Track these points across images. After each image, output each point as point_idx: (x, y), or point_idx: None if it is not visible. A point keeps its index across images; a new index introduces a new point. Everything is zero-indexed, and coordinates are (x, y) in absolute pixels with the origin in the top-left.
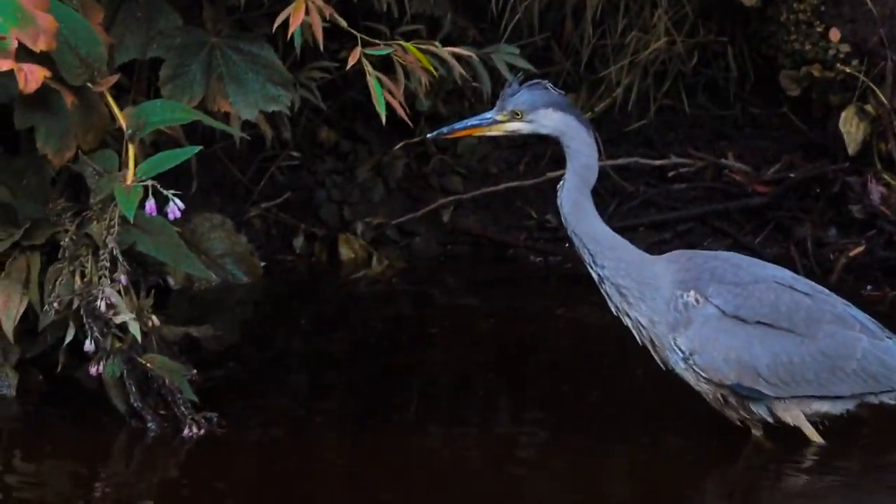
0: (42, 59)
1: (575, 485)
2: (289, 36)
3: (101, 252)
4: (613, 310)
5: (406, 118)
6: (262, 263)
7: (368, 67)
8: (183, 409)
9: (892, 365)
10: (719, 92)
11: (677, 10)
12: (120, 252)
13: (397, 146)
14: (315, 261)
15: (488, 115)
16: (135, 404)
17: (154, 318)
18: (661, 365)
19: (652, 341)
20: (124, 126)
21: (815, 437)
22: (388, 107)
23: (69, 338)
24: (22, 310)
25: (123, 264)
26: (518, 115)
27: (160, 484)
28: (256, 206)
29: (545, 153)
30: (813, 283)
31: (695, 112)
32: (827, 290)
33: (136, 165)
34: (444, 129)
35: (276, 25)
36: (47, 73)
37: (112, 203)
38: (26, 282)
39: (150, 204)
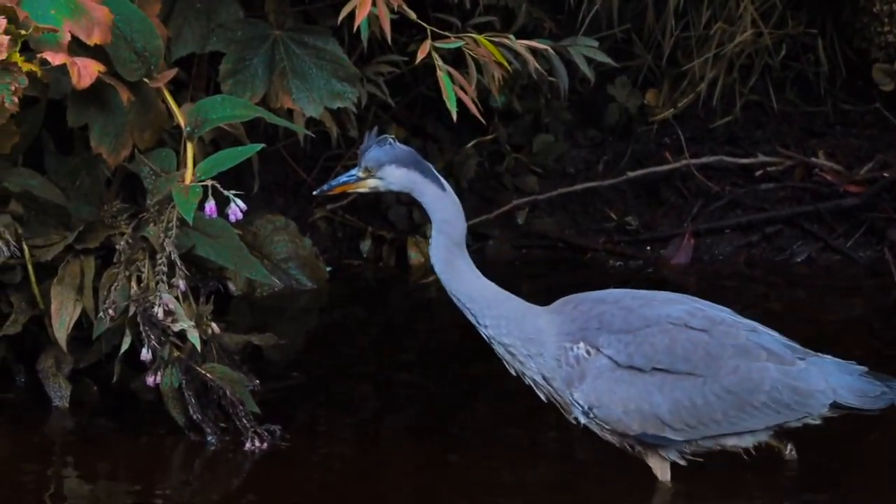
0: (96, 52)
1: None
2: (355, 28)
3: (159, 256)
4: (512, 371)
5: (478, 115)
6: (328, 268)
7: (439, 61)
8: (244, 421)
9: (805, 390)
10: (809, 87)
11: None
12: (178, 256)
13: (469, 144)
14: (383, 265)
15: (354, 171)
16: (194, 416)
17: (214, 325)
18: (572, 420)
19: (553, 397)
20: (182, 123)
21: (667, 476)
22: (460, 103)
23: (125, 346)
24: (75, 317)
25: (182, 269)
26: (370, 171)
27: (220, 501)
28: (321, 207)
29: (625, 152)
30: (714, 313)
31: (783, 108)
32: (730, 319)
33: (194, 165)
34: (325, 187)
35: (341, 17)
36: (102, 68)
37: (170, 204)
38: (80, 287)
39: (210, 205)
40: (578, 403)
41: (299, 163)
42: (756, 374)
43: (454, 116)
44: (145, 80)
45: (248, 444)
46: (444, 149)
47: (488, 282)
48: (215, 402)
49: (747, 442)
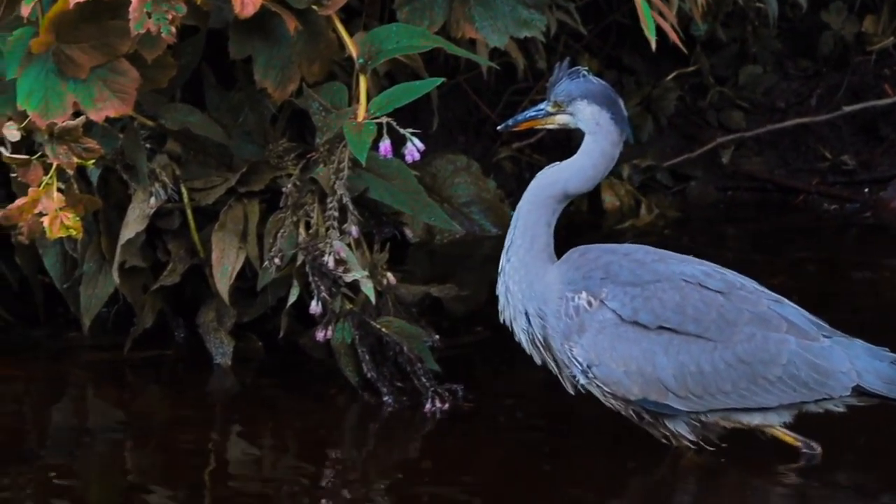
0: None
1: None
2: None
3: (329, 200)
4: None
5: (679, 44)
6: (513, 212)
7: None
8: (423, 380)
9: (826, 369)
10: None
11: None
12: (350, 200)
13: (669, 77)
14: (574, 209)
15: (542, 105)
16: (368, 375)
17: (390, 275)
18: (569, 387)
19: (555, 361)
20: (354, 55)
21: (789, 439)
22: (659, 31)
23: (292, 298)
24: (238, 266)
25: (354, 214)
26: (560, 106)
27: (396, 466)
28: (507, 146)
29: (841, 84)
30: (734, 278)
31: None
32: (753, 285)
33: (368, 100)
34: (510, 122)
35: None
36: None
37: (341, 143)
38: (243, 234)
39: (385, 144)
40: (577, 361)
41: (482, 97)
42: (773, 346)
43: (653, 46)
44: (314, 7)
45: (427, 405)
46: (642, 81)
47: (550, 240)
48: (391, 360)
49: (766, 420)
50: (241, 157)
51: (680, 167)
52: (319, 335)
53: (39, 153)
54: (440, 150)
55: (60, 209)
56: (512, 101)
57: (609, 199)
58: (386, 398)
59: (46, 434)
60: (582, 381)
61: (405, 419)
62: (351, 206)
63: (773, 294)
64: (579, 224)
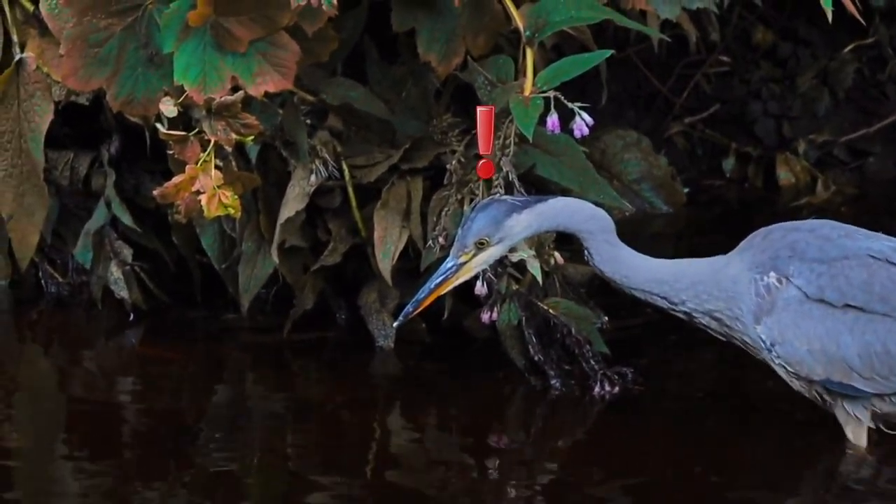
0: None
1: None
2: None
3: (495, 176)
4: (719, 336)
5: (857, 15)
6: (686, 189)
7: None
8: (592, 363)
9: None
10: None
11: None
12: (517, 176)
13: (846, 49)
14: (748, 186)
15: (448, 263)
16: (535, 357)
17: (557, 254)
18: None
19: (760, 355)
20: (521, 27)
21: (862, 440)
22: (836, 1)
23: None
24: (401, 245)
25: (521, 191)
26: (484, 243)
27: (565, 452)
28: (678, 121)
29: None
30: None
31: None
32: None
33: (535, 74)
34: (410, 308)
35: None
36: None
37: (507, 118)
38: (406, 212)
39: (553, 119)
40: (761, 339)
41: (653, 71)
42: None
43: (829, 17)
44: None
45: (596, 389)
46: (818, 54)
47: (657, 259)
48: (559, 342)
49: None
50: (404, 133)
51: (858, 142)
52: (485, 317)
53: (197, 129)
54: (609, 125)
55: (218, 187)
56: (683, 75)
57: (784, 176)
58: (553, 381)
59: (205, 417)
60: (773, 362)
61: (573, 403)
62: (517, 183)
63: None
64: (753, 201)
